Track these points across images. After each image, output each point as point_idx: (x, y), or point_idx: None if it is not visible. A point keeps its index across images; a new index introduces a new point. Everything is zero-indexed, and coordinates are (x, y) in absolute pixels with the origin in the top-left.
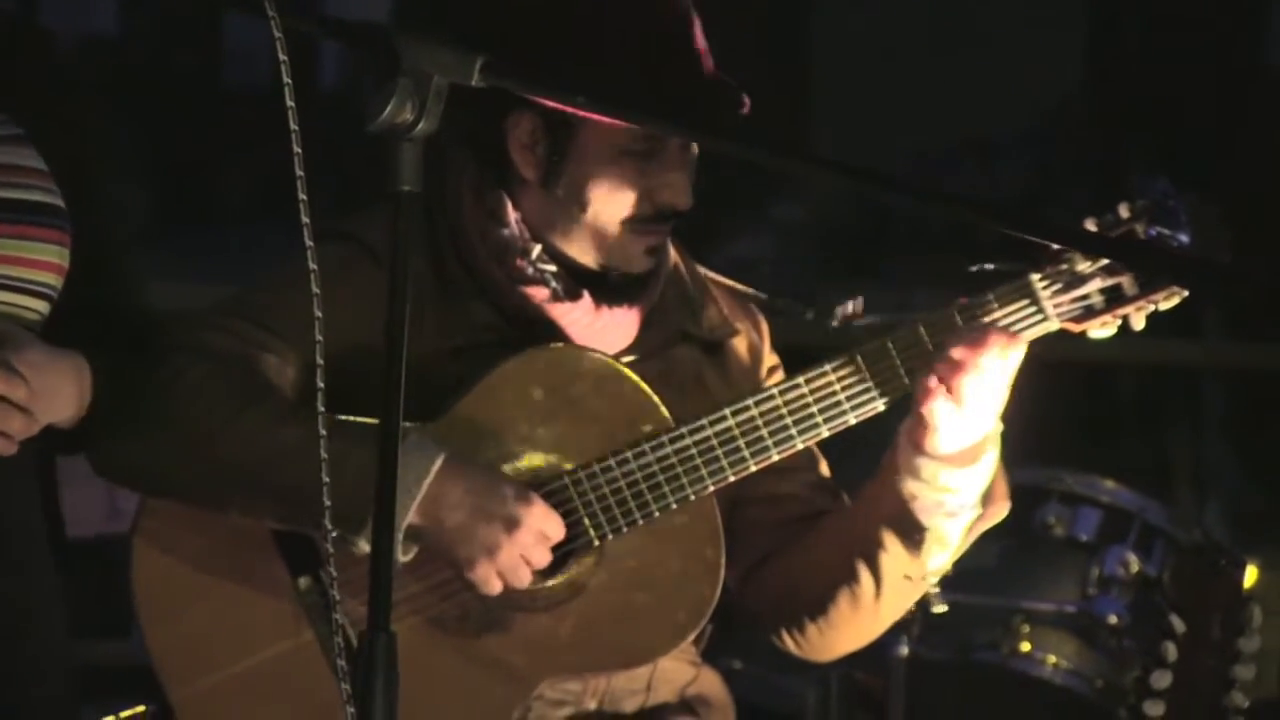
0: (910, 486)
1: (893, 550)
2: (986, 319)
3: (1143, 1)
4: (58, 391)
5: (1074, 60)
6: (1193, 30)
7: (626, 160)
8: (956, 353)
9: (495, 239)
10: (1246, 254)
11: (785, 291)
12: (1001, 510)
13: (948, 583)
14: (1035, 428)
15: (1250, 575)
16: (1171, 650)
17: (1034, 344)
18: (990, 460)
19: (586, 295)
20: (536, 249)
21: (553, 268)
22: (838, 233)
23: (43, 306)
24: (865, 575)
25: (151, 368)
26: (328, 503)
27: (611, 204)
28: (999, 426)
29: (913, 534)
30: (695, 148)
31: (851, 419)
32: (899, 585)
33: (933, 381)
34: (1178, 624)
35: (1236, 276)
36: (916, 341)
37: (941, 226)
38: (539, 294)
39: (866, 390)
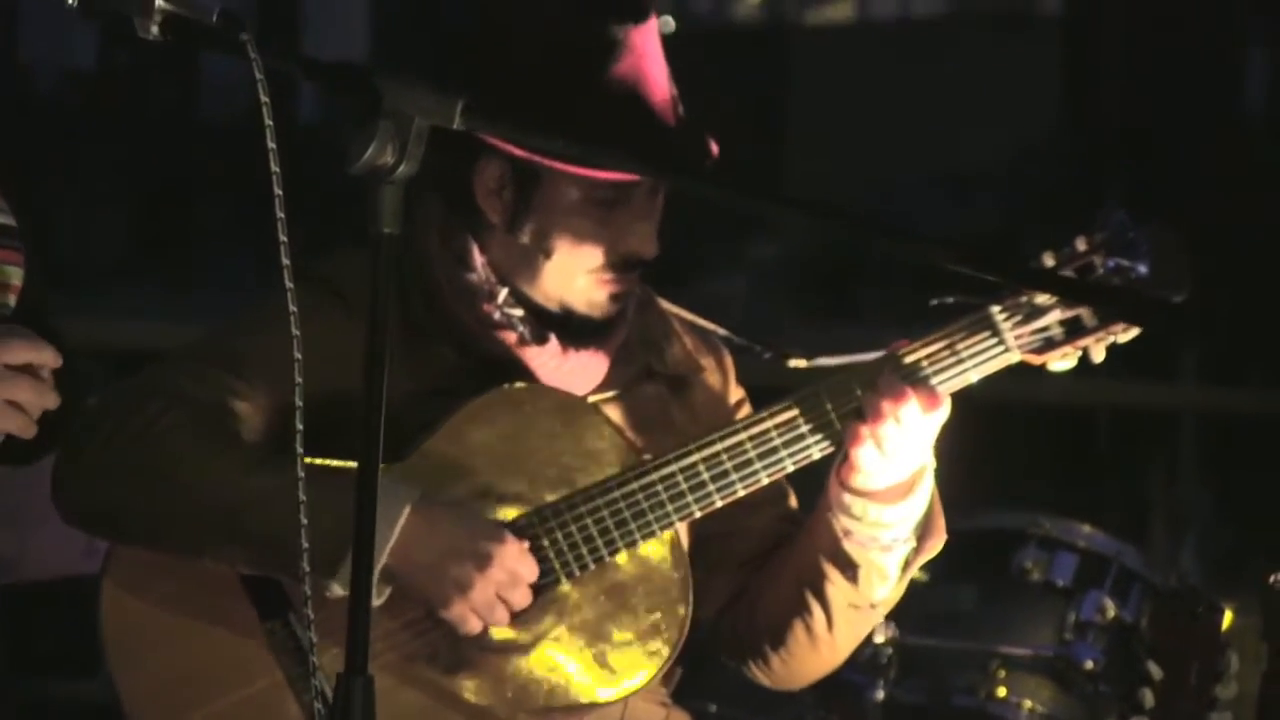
0: (843, 522)
1: (835, 581)
2: (916, 367)
3: (1119, 40)
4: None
5: (1049, 96)
6: (1169, 68)
7: (592, 209)
8: (880, 404)
9: (462, 283)
10: (1212, 287)
11: (755, 330)
12: (938, 543)
13: (923, 626)
14: (1012, 472)
15: (1226, 620)
16: (1149, 696)
17: (1010, 386)
18: (923, 495)
19: (554, 338)
20: (503, 293)
21: (519, 312)
22: (811, 269)
23: None
24: (815, 606)
25: (123, 412)
26: (306, 545)
27: (577, 253)
28: (931, 462)
29: (848, 568)
30: (662, 196)
31: (816, 453)
32: (847, 614)
33: (860, 428)
34: (1155, 670)
35: (1182, 310)
36: (847, 391)
37: (913, 263)
38: (507, 338)
39: (829, 425)
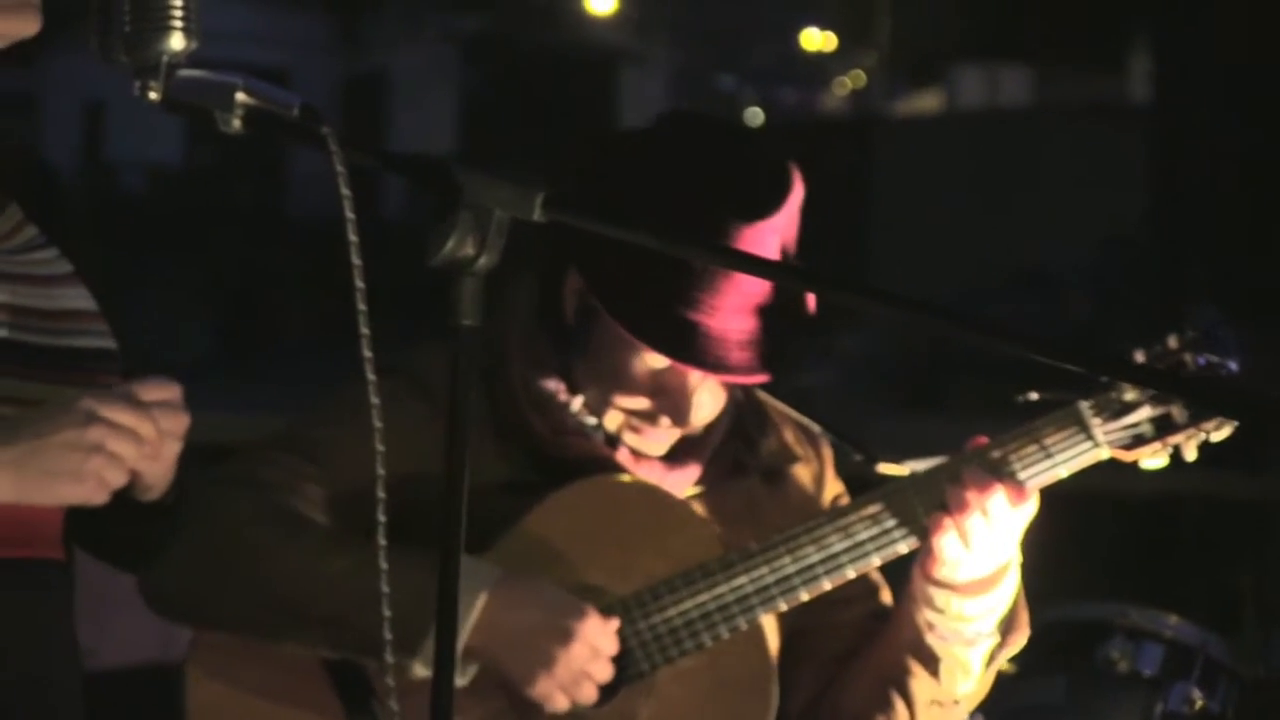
0: (926, 615)
1: (919, 676)
2: (1004, 462)
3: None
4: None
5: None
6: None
7: (643, 357)
8: (965, 495)
9: (536, 389)
10: None
11: (841, 422)
12: (1022, 638)
13: (1010, 719)
14: (1099, 562)
15: None
16: None
17: (1096, 478)
18: (1007, 589)
19: (625, 449)
20: (577, 401)
21: (594, 420)
22: (898, 362)
23: None
24: (898, 702)
25: (203, 501)
26: (389, 636)
27: (619, 387)
28: (1016, 556)
29: (930, 662)
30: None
31: (903, 547)
32: (931, 711)
33: (944, 519)
34: None
35: (1274, 406)
36: (935, 485)
37: (1001, 356)
38: (579, 444)
39: (915, 519)
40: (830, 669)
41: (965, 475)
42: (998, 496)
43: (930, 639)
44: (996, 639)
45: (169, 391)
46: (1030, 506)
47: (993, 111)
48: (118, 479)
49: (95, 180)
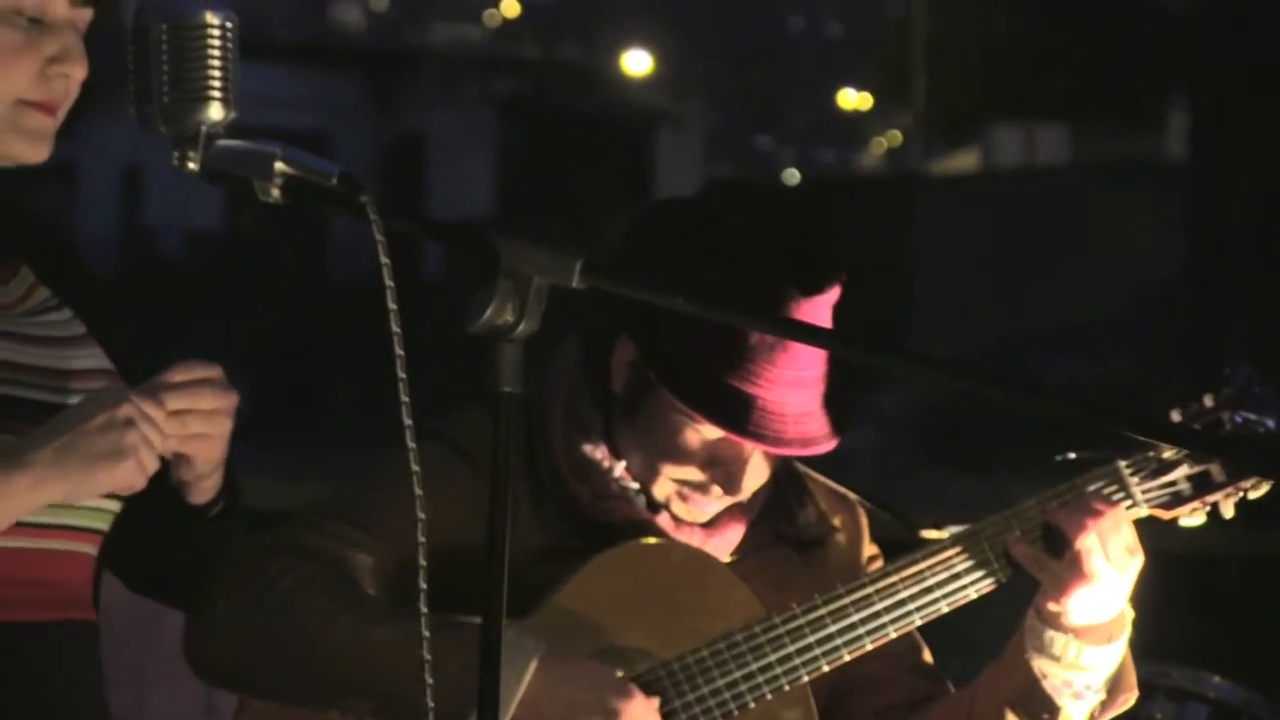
0: (1040, 664)
1: None
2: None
3: (1244, 188)
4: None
5: (1173, 245)
6: None
7: (694, 427)
8: (1094, 504)
9: (579, 454)
10: None
11: (882, 482)
12: (1129, 699)
13: None
14: (1139, 621)
15: None
16: None
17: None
18: (1121, 645)
19: (666, 514)
20: (619, 466)
21: (636, 485)
22: (939, 424)
23: (114, 506)
24: None
25: (249, 567)
26: (431, 704)
27: (668, 457)
28: (1130, 613)
29: (1040, 714)
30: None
31: (944, 607)
32: None
33: (1077, 532)
34: None
35: None
36: (1006, 530)
37: (1039, 415)
38: (620, 509)
39: (954, 579)
40: None
41: (1087, 493)
42: (1119, 513)
43: (1046, 686)
44: (1103, 696)
45: (208, 370)
46: (1140, 558)
47: (1030, 170)
48: (155, 457)
49: (134, 246)
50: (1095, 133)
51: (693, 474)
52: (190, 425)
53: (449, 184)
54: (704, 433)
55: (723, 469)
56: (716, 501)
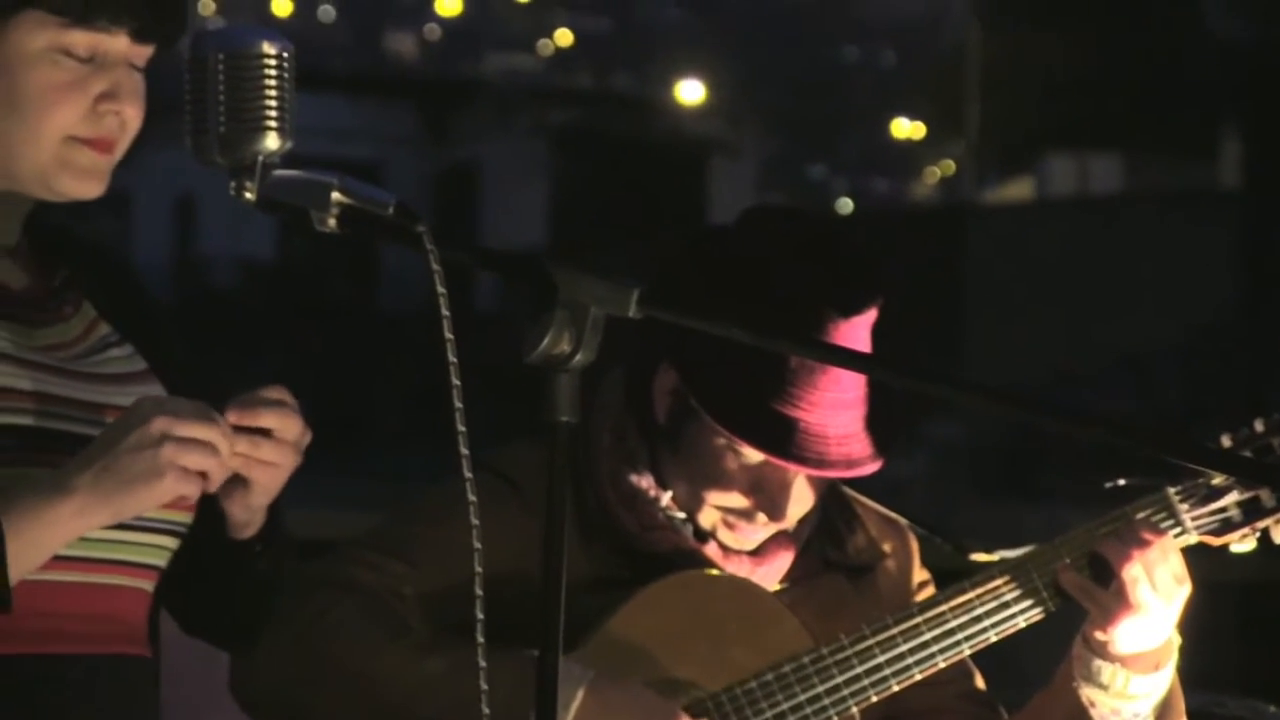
0: (1088, 692)
1: None
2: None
3: None
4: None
5: (1225, 273)
6: None
7: (736, 453)
8: (1143, 533)
9: (626, 485)
10: None
11: (934, 510)
12: None
13: None
14: (1192, 650)
15: None
16: None
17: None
18: (1169, 672)
19: (714, 543)
20: (666, 497)
21: (682, 515)
22: (989, 450)
23: (171, 543)
24: None
25: (296, 602)
26: None
27: (712, 484)
28: (1177, 640)
29: None
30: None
31: (993, 636)
32: None
33: (1124, 561)
34: None
35: None
36: (1054, 558)
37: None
38: (668, 539)
39: (1003, 609)
40: None
41: (1135, 521)
42: (1166, 542)
43: (1093, 716)
44: None
45: (275, 392)
46: (1187, 587)
47: (1083, 199)
48: (199, 463)
49: (187, 275)
50: (1149, 162)
51: (737, 500)
52: (263, 450)
53: (501, 214)
54: (747, 458)
55: (766, 495)
56: (763, 529)
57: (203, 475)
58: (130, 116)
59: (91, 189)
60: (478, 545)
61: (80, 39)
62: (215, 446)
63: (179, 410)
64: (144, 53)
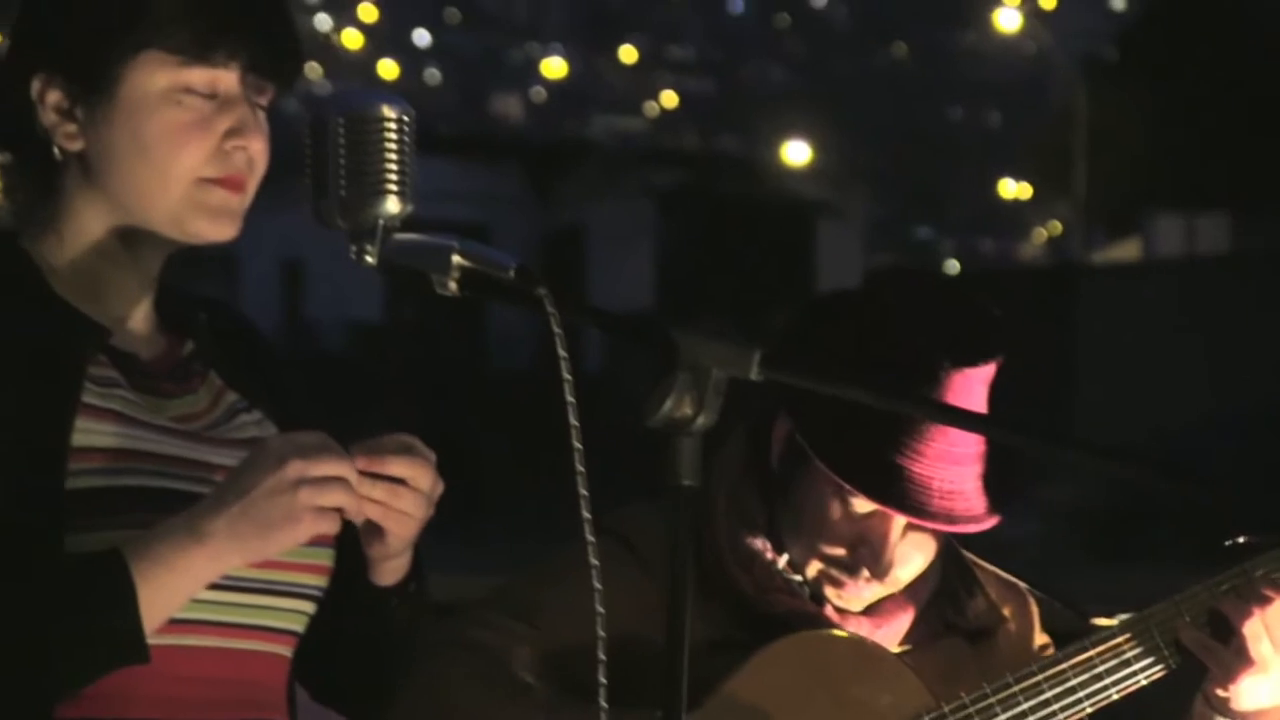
0: None
1: None
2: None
3: None
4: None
5: None
6: None
7: (844, 501)
8: (1265, 590)
9: (743, 548)
10: None
11: (1047, 573)
12: None
13: None
14: None
15: None
16: None
17: None
18: None
19: (830, 605)
20: (783, 560)
21: (799, 578)
22: (1103, 511)
23: (309, 608)
24: None
25: (416, 664)
26: None
27: (817, 537)
28: None
29: None
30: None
31: (1114, 694)
32: None
33: (1249, 613)
34: None
35: None
36: (1175, 615)
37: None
38: (788, 600)
39: (1124, 666)
40: None
41: (1256, 578)
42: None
43: None
44: None
45: (404, 438)
46: None
47: (1191, 259)
48: (335, 500)
49: (296, 339)
50: (1256, 222)
51: (840, 552)
52: (400, 499)
53: (608, 276)
54: (853, 507)
55: (870, 547)
56: (866, 586)
57: (338, 510)
58: (257, 152)
59: (225, 230)
60: (600, 609)
61: (199, 76)
62: (347, 480)
63: (309, 448)
64: (265, 90)
